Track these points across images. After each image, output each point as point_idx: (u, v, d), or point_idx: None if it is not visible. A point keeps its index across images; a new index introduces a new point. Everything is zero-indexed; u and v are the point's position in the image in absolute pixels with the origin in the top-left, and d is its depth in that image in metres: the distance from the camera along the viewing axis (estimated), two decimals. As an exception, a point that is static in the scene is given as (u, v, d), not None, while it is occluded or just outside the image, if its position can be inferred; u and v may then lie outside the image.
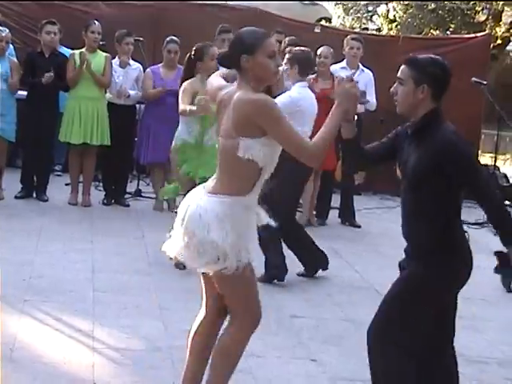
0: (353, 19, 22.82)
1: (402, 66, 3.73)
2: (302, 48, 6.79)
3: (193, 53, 6.70)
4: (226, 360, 3.78)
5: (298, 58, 6.69)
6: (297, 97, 6.56)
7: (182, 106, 6.53)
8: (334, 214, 9.05)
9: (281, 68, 6.02)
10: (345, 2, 23.36)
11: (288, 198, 6.54)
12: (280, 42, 8.98)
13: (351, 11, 23.11)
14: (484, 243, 6.97)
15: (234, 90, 3.62)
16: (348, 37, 9.28)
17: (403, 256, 3.88)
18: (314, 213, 8.89)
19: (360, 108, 8.93)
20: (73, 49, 8.76)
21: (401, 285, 3.76)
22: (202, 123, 6.41)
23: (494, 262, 3.72)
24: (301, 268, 6.70)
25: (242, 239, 3.60)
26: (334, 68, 8.92)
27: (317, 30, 11.27)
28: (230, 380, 3.82)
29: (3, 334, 4.77)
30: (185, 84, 6.64)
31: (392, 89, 3.76)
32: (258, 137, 3.51)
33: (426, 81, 3.63)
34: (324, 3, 20.67)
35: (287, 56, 6.72)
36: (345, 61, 9.10)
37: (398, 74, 3.72)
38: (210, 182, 3.69)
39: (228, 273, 3.57)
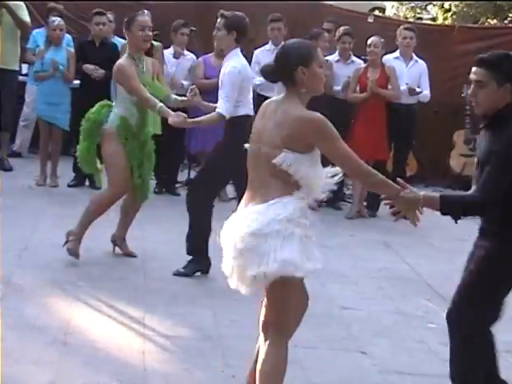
0: (407, 9, 22.57)
1: (476, 68, 3.77)
2: (237, 13, 6.19)
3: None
4: None
5: (236, 24, 6.05)
6: (241, 67, 6.06)
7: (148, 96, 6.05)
8: (384, 206, 8.98)
9: None
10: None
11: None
12: (329, 32, 8.97)
13: (405, 1, 22.87)
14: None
15: (281, 101, 3.66)
16: (401, 27, 9.22)
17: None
18: (365, 204, 8.86)
19: (413, 99, 8.88)
20: (123, 38, 8.84)
21: (479, 262, 3.85)
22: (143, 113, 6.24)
23: None
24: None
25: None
26: (387, 58, 8.89)
27: (370, 19, 11.20)
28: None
29: (57, 319, 4.88)
30: (124, 64, 6.08)
31: (470, 92, 3.82)
32: (302, 153, 3.56)
33: (508, 79, 3.70)
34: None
35: (222, 21, 6.11)
36: (398, 51, 9.04)
37: (475, 77, 3.77)
38: (247, 199, 3.70)
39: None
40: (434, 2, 18.86)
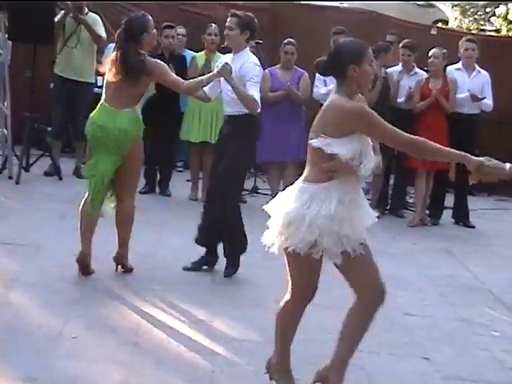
0: (470, 21, 22.31)
1: None
2: (249, 13, 6.43)
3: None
4: None
5: (249, 24, 6.31)
6: (259, 66, 6.24)
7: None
8: (447, 214, 8.89)
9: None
10: (462, 3, 22.88)
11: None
12: (392, 44, 8.91)
13: (469, 13, 22.59)
14: None
15: (332, 93, 3.87)
16: (463, 38, 9.10)
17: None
18: (427, 212, 8.76)
19: (475, 108, 8.76)
20: (193, 50, 8.93)
21: None
22: None
23: None
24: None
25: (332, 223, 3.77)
26: (450, 69, 8.79)
27: (433, 31, 11.08)
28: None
29: (129, 320, 4.93)
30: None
31: None
32: (338, 137, 3.73)
33: None
34: (441, 5, 20.31)
35: (235, 20, 6.31)
36: (460, 62, 8.92)
37: None
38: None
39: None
40: (498, 13, 18.53)
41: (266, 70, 8.76)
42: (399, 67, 8.86)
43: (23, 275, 5.54)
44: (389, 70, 8.75)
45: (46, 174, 8.84)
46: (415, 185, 8.62)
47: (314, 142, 3.77)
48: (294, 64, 8.62)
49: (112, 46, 9.05)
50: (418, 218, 8.54)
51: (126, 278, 5.70)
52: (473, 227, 8.69)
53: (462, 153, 3.79)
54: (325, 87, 8.42)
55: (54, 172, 8.77)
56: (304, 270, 4.01)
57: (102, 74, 9.17)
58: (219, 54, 8.56)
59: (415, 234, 8.16)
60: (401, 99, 8.72)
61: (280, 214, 3.94)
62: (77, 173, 8.98)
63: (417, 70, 8.88)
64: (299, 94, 8.51)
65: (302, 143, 8.71)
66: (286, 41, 8.63)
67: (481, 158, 3.72)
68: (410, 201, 9.30)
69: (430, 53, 8.49)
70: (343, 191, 3.79)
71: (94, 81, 9.18)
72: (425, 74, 8.75)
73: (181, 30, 9.30)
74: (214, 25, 8.60)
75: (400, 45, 8.80)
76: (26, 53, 8.87)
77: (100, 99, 9.41)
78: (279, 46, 8.84)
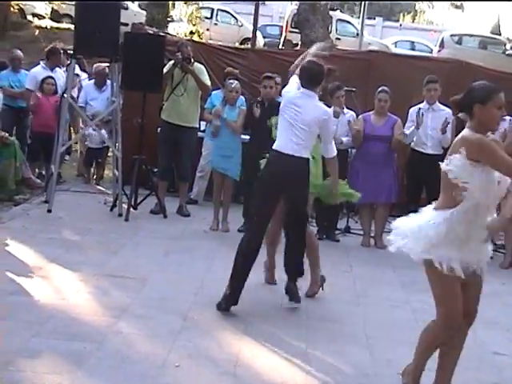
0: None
1: None
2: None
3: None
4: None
5: None
6: None
7: None
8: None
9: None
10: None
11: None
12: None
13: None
14: None
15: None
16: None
17: None
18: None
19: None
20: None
21: None
22: None
23: None
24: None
25: (450, 245, 4.11)
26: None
27: (520, 80, 10.84)
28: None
29: (227, 352, 4.97)
30: None
31: None
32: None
33: None
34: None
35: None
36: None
37: None
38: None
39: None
40: None
41: (360, 116, 8.78)
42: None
43: (131, 306, 5.66)
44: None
45: (152, 212, 9.03)
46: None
47: (444, 167, 4.10)
48: (388, 111, 8.62)
49: (217, 93, 9.29)
50: (509, 259, 8.32)
51: (225, 312, 5.74)
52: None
53: None
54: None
55: (160, 210, 8.95)
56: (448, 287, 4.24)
57: (205, 119, 9.45)
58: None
59: (504, 274, 7.95)
60: None
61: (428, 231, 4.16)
62: (180, 211, 9.14)
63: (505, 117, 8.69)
64: (396, 141, 8.51)
65: (394, 186, 8.70)
66: (380, 89, 8.64)
67: None
68: (498, 243, 9.06)
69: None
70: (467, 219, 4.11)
71: (198, 125, 9.37)
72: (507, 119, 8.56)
73: (278, 79, 9.40)
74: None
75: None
76: (137, 100, 9.13)
77: (202, 142, 9.70)
78: (373, 93, 8.84)
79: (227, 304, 5.74)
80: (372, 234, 8.73)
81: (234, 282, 5.83)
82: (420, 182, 8.60)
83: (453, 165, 4.06)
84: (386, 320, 5.92)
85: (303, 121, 5.85)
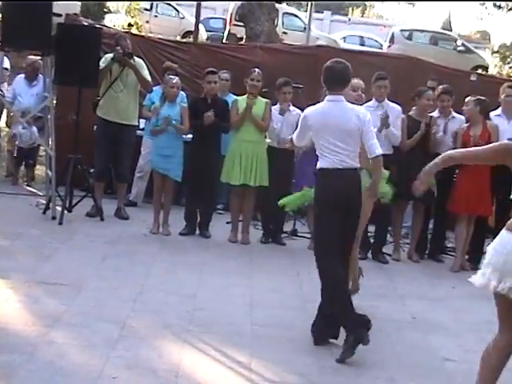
0: (510, 67, 22.34)
1: None
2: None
3: None
4: None
5: None
6: None
7: None
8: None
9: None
10: (501, 50, 22.94)
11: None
12: (434, 90, 8.93)
13: (509, 59, 22.65)
14: None
15: None
16: (505, 84, 9.08)
17: None
18: (466, 257, 8.70)
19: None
20: (236, 95, 9.05)
21: None
22: None
23: None
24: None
25: None
26: (490, 115, 8.76)
27: (473, 78, 11.08)
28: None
29: (168, 362, 4.96)
30: None
31: None
32: None
33: None
34: (480, 52, 20.37)
35: None
36: (500, 108, 8.91)
37: None
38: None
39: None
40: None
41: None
42: (436, 113, 8.86)
43: (65, 315, 5.60)
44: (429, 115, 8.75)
45: (88, 214, 8.95)
46: (456, 230, 8.57)
47: None
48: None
49: (156, 89, 9.26)
50: (459, 262, 8.48)
51: (165, 319, 5.74)
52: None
53: None
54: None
55: (96, 213, 8.88)
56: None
57: (144, 117, 9.40)
58: (261, 99, 8.67)
59: (454, 278, 8.09)
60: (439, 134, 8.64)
61: None
62: (118, 214, 9.09)
63: (454, 114, 8.87)
64: None
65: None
66: (326, 86, 8.67)
67: None
68: (449, 245, 9.24)
69: (466, 100, 8.54)
70: None
71: (137, 123, 9.33)
72: (463, 119, 8.74)
73: (225, 74, 9.43)
74: (257, 70, 8.71)
75: (439, 91, 8.81)
76: (71, 96, 9.04)
77: (141, 141, 9.65)
78: (320, 89, 8.89)
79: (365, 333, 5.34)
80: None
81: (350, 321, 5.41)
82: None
83: None
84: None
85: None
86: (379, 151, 5.70)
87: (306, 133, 5.86)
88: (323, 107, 5.79)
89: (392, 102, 8.63)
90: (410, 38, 26.98)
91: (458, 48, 26.45)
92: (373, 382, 4.99)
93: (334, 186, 5.55)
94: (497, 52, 23.99)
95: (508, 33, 64.37)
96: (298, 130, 5.97)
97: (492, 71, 22.99)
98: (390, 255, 8.58)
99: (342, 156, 5.58)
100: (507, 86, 8.99)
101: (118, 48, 8.85)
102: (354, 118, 5.64)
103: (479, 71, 17.92)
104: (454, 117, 8.85)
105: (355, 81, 6.70)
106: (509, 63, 22.48)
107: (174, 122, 8.43)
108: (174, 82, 8.58)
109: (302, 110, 8.87)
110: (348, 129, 5.61)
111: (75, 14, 12.93)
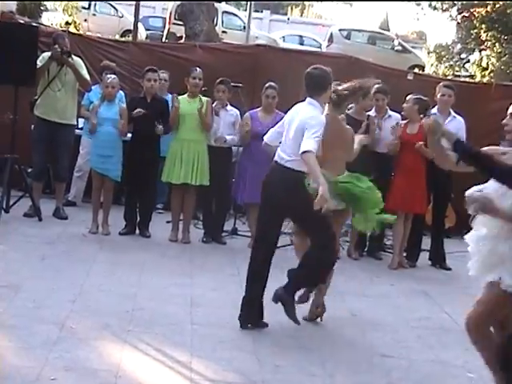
0: (446, 67, 22.73)
1: None
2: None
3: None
4: None
5: None
6: None
7: None
8: (424, 257, 8.96)
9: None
10: (438, 49, 23.32)
11: None
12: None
13: (444, 59, 23.03)
14: None
15: None
16: (440, 84, 9.23)
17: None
18: (404, 255, 8.82)
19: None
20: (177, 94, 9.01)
21: None
22: None
23: None
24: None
25: None
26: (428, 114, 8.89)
27: (409, 77, 11.24)
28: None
29: (108, 362, 4.92)
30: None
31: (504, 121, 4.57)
32: None
33: None
34: (417, 52, 20.68)
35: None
36: (436, 107, 9.05)
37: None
38: None
39: None
40: (472, 60, 18.93)
41: (247, 113, 8.85)
42: (372, 111, 8.95)
43: (1, 316, 5.52)
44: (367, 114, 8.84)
45: (26, 215, 8.82)
46: (393, 227, 8.67)
47: None
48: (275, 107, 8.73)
49: (95, 88, 9.18)
50: (397, 259, 8.59)
51: (105, 320, 5.69)
52: (449, 269, 8.75)
53: None
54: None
55: (34, 213, 8.76)
56: None
57: (83, 116, 9.31)
58: (201, 97, 8.65)
59: (393, 275, 8.21)
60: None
61: None
62: (57, 214, 8.98)
63: (390, 113, 8.98)
64: None
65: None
66: (267, 85, 8.72)
67: None
68: (388, 243, 9.36)
69: (408, 98, 8.65)
70: None
71: (75, 123, 9.23)
72: (399, 117, 8.85)
73: (164, 74, 9.40)
74: (198, 69, 8.68)
75: (374, 90, 8.88)
76: (8, 95, 8.89)
77: (80, 140, 9.55)
78: (260, 88, 8.94)
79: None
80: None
81: None
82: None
83: None
84: (274, 324, 6.00)
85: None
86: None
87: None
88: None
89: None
90: (348, 37, 27.25)
91: (396, 47, 26.81)
92: (312, 378, 5.03)
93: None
94: (433, 52, 24.37)
95: (443, 33, 65.61)
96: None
97: (428, 70, 23.34)
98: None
99: None
100: (443, 85, 9.14)
101: (56, 46, 8.74)
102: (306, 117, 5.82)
103: (416, 70, 18.14)
104: (390, 115, 8.96)
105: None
106: (444, 63, 22.85)
107: (112, 122, 8.37)
108: (110, 80, 8.51)
109: (241, 111, 8.98)
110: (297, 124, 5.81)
111: (11, 11, 12.72)
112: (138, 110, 8.40)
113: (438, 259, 8.94)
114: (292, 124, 5.93)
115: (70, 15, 24.56)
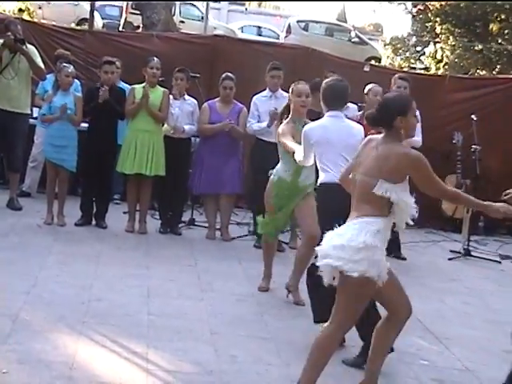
0: (401, 59, 22.92)
1: None
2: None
3: None
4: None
5: None
6: None
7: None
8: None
9: None
10: (393, 42, 23.50)
11: None
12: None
13: (400, 51, 23.23)
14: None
15: (381, 141, 4.35)
16: (396, 75, 9.29)
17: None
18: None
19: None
20: (130, 84, 8.94)
21: None
22: (297, 165, 6.26)
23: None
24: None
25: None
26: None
27: (366, 68, 11.29)
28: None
29: (63, 354, 4.87)
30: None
31: None
32: (396, 183, 4.23)
33: None
34: (374, 44, 20.82)
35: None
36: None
37: None
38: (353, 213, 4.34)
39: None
40: (427, 53, 19.12)
41: (206, 103, 8.82)
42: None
43: (-45, 308, 5.44)
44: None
45: (-21, 206, 8.70)
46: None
47: (377, 190, 4.21)
48: (234, 98, 8.72)
49: (49, 77, 9.06)
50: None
51: (60, 311, 5.63)
52: (404, 259, 8.82)
53: (486, 203, 4.41)
54: (257, 123, 8.52)
55: (-13, 204, 8.65)
56: (367, 296, 4.38)
57: (37, 105, 9.19)
58: (158, 88, 8.60)
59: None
60: None
61: (352, 244, 4.19)
62: (11, 205, 8.86)
63: (348, 104, 8.99)
64: (240, 130, 8.61)
65: (238, 176, 8.81)
66: (224, 75, 8.69)
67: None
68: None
69: (367, 88, 8.68)
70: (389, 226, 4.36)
71: (29, 112, 9.11)
72: (355, 108, 8.88)
73: (117, 63, 9.32)
74: (156, 58, 8.62)
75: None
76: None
77: (35, 130, 9.42)
78: (217, 79, 8.91)
79: None
80: (218, 226, 8.81)
81: None
82: (267, 170, 8.72)
83: (394, 192, 4.23)
84: (231, 314, 6.01)
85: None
86: None
87: (311, 150, 5.85)
88: (324, 123, 5.89)
89: (286, 91, 8.71)
90: (306, 28, 27.30)
91: (353, 39, 26.93)
92: (269, 367, 5.05)
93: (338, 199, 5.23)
94: (389, 44, 24.56)
95: (399, 26, 66.10)
96: (302, 148, 5.87)
97: (384, 62, 23.50)
98: (286, 243, 8.66)
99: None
100: (398, 77, 9.20)
101: (9, 33, 8.60)
102: (357, 134, 5.82)
103: (372, 62, 18.26)
104: (347, 106, 8.97)
105: (300, 86, 6.71)
106: (400, 55, 23.05)
107: (69, 111, 8.27)
108: (70, 70, 8.40)
109: (199, 101, 8.95)
110: (352, 143, 5.57)
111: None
112: (102, 90, 8.29)
113: (393, 249, 8.99)
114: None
115: (23, 2, 24.19)
